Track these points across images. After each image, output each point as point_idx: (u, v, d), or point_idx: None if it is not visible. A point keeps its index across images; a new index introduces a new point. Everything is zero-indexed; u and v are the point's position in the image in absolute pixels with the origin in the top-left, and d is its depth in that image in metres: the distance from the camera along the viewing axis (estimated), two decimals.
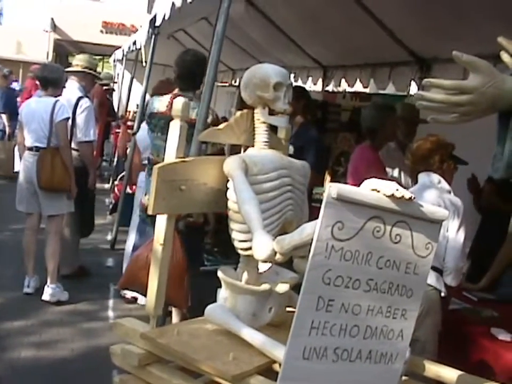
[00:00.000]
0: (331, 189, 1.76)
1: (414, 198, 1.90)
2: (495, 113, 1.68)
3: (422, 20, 5.40)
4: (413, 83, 6.40)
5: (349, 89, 7.79)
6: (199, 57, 4.62)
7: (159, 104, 4.48)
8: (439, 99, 1.61)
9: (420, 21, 5.46)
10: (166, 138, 4.31)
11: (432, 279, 3.54)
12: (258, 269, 2.56)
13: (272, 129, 2.61)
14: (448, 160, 3.83)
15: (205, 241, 7.34)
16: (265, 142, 2.55)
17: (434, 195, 3.66)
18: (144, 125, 6.29)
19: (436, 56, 5.93)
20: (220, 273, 2.54)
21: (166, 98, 4.50)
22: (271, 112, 2.53)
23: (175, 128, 2.48)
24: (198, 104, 4.01)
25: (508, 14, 4.40)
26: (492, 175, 1.72)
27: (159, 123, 4.42)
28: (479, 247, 5.05)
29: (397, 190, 1.84)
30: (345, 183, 4.96)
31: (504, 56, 2.17)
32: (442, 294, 3.70)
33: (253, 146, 2.59)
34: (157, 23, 7.02)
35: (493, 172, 1.71)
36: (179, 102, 2.47)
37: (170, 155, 2.46)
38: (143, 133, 6.02)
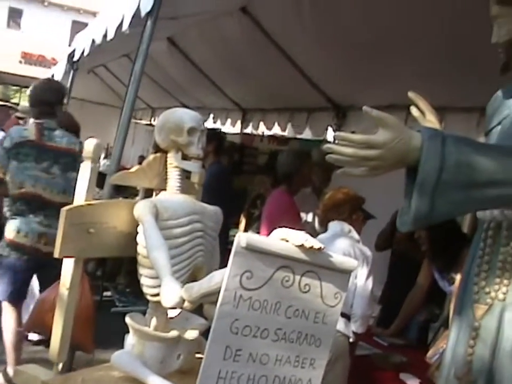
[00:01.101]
0: (240, 238, 1.76)
1: (324, 248, 1.91)
2: (403, 167, 1.72)
3: (340, 69, 5.56)
4: (329, 128, 6.55)
5: (267, 132, 7.88)
6: None
7: (26, 132, 4.38)
8: (348, 153, 1.64)
9: (338, 70, 5.62)
10: (44, 168, 4.24)
11: (340, 325, 3.57)
12: (167, 315, 2.51)
13: (186, 173, 2.59)
14: (358, 212, 3.94)
15: (117, 281, 7.22)
16: (178, 186, 2.53)
17: (345, 243, 3.74)
18: None
19: (352, 104, 6.10)
20: (127, 319, 2.48)
21: (30, 126, 4.46)
22: (184, 157, 2.52)
23: (86, 170, 2.42)
24: (63, 133, 4.36)
25: (422, 65, 4.57)
26: (399, 228, 1.76)
27: (32, 152, 4.31)
28: (390, 291, 5.14)
29: (307, 240, 1.85)
30: (258, 230, 4.99)
31: (414, 111, 2.25)
32: (351, 340, 3.74)
33: (165, 190, 2.57)
34: (75, 58, 6.95)
35: (400, 225, 1.75)
36: (91, 143, 2.42)
37: (80, 197, 2.40)
38: None
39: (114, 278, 7.22)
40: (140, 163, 8.82)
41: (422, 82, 4.56)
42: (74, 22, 28.72)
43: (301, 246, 1.85)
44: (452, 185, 1.63)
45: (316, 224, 4.93)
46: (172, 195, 2.52)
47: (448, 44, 4.18)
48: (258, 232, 4.84)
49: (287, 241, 1.86)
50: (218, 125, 8.60)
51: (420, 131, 1.69)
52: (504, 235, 1.92)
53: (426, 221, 1.70)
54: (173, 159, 2.54)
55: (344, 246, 3.68)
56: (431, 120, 2.22)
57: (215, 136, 5.69)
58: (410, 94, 2.24)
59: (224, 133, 7.18)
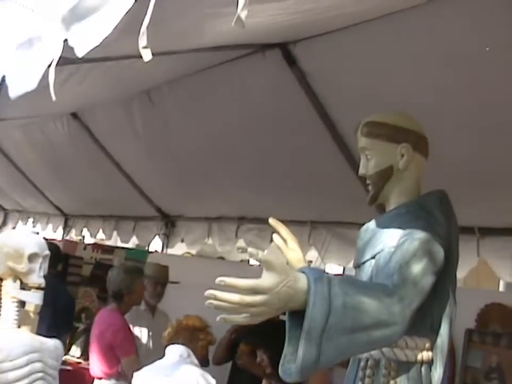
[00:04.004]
0: None
1: None
2: (287, 311, 1.61)
3: (170, 179, 5.56)
4: (157, 238, 6.42)
5: (91, 239, 7.57)
6: None
7: None
8: (233, 300, 1.49)
9: (168, 180, 5.61)
10: None
11: None
12: None
13: (21, 302, 2.30)
14: (199, 341, 3.77)
15: None
16: (15, 320, 2.24)
17: (189, 371, 3.56)
18: None
19: (181, 214, 6.06)
20: None
21: None
22: (23, 286, 2.24)
23: None
24: None
25: (250, 180, 4.62)
26: (284, 378, 1.61)
27: None
28: None
29: None
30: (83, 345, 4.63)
31: (276, 239, 2.16)
32: None
33: None
34: None
35: (285, 375, 1.60)
36: None
37: None
38: None
39: None
40: None
41: (252, 196, 4.64)
42: None
43: None
44: (339, 329, 1.57)
45: (151, 341, 4.72)
46: (7, 331, 2.21)
47: (276, 160, 4.30)
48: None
49: None
50: (38, 229, 8.14)
51: (304, 272, 1.60)
52: (382, 373, 1.86)
53: (313, 369, 1.58)
54: (10, 289, 2.24)
55: (188, 375, 3.47)
56: (293, 248, 2.15)
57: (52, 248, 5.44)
58: (271, 221, 2.16)
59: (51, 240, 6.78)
